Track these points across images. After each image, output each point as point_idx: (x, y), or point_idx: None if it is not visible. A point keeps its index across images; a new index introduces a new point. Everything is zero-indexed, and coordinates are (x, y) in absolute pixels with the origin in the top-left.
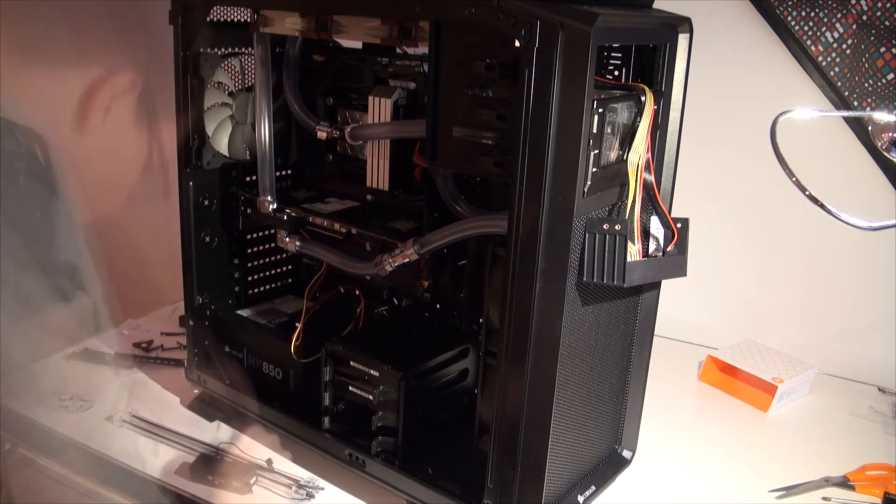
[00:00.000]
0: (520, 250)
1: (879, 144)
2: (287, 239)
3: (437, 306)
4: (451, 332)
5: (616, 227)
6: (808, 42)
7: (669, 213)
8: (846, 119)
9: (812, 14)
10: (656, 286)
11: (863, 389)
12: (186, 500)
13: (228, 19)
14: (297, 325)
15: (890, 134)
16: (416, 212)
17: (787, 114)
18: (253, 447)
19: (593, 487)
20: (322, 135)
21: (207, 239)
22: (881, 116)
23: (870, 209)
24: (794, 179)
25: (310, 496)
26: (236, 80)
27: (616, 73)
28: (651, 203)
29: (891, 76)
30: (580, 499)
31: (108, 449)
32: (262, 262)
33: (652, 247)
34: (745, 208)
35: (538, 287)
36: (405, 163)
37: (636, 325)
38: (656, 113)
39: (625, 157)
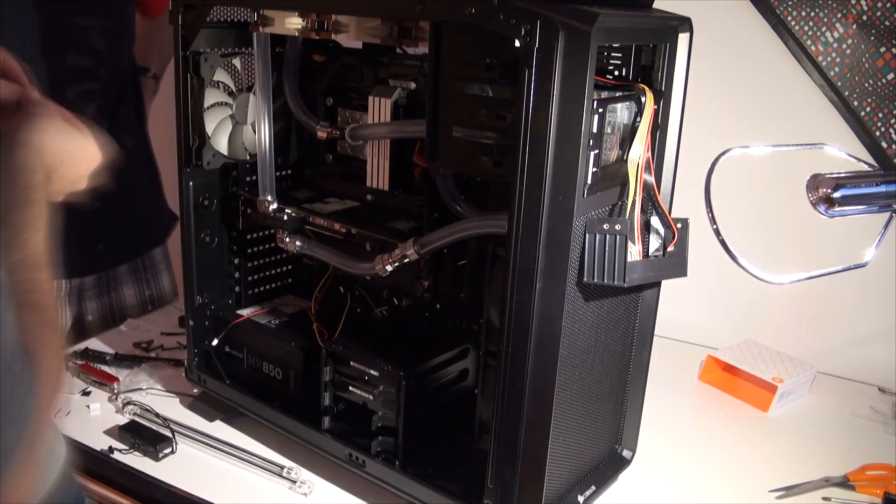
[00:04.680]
0: (520, 250)
1: (810, 197)
2: (287, 239)
3: (437, 306)
4: (451, 332)
5: (616, 227)
6: (808, 42)
7: (669, 213)
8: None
9: (812, 14)
10: (656, 286)
11: (863, 389)
12: (187, 499)
13: (228, 19)
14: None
15: (825, 190)
16: (416, 212)
17: (729, 152)
18: (253, 447)
19: (593, 487)
20: (322, 135)
21: (207, 239)
22: (830, 150)
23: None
24: (714, 227)
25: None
26: (236, 80)
27: (616, 73)
28: (651, 203)
29: (891, 76)
30: (580, 499)
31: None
32: (262, 262)
33: (652, 247)
34: (746, 207)
35: (538, 287)
36: (405, 163)
37: (636, 325)
38: (656, 113)
39: (625, 157)
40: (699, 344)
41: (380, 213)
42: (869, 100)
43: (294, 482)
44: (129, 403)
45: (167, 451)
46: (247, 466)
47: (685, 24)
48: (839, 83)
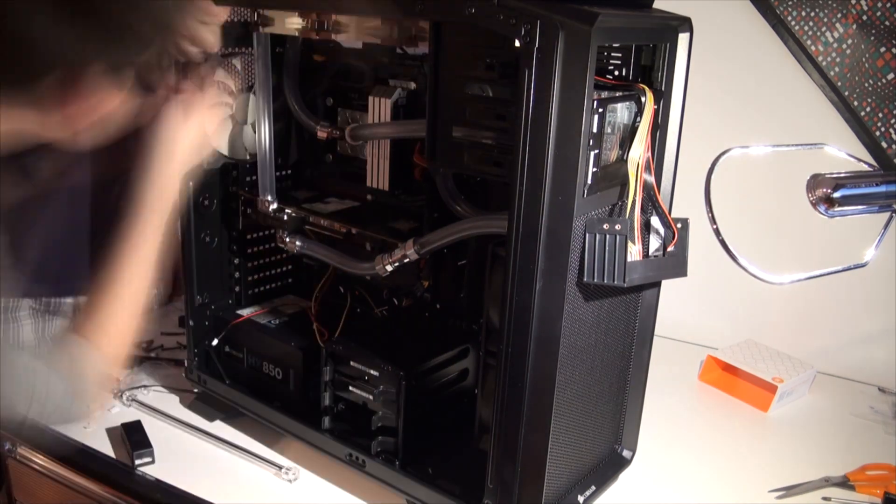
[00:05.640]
0: (520, 250)
1: (810, 197)
2: (287, 239)
3: (437, 306)
4: (451, 332)
5: (616, 227)
6: (808, 42)
7: (669, 213)
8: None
9: (812, 14)
10: (656, 286)
11: (863, 389)
12: (187, 499)
13: (228, 19)
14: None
15: (825, 190)
16: (416, 212)
17: (729, 152)
18: (253, 447)
19: (593, 487)
20: (322, 135)
21: (207, 239)
22: (830, 150)
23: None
24: (714, 227)
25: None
26: (236, 80)
27: (616, 73)
28: (651, 203)
29: (891, 76)
30: (580, 499)
31: (108, 449)
32: (262, 262)
33: (652, 247)
34: (746, 207)
35: (538, 287)
36: (405, 163)
37: (636, 325)
38: (656, 113)
39: (625, 157)
40: (699, 344)
41: (380, 213)
42: (869, 100)
43: (290, 481)
44: (132, 401)
45: (146, 459)
46: (246, 465)
47: (685, 24)
48: (839, 83)
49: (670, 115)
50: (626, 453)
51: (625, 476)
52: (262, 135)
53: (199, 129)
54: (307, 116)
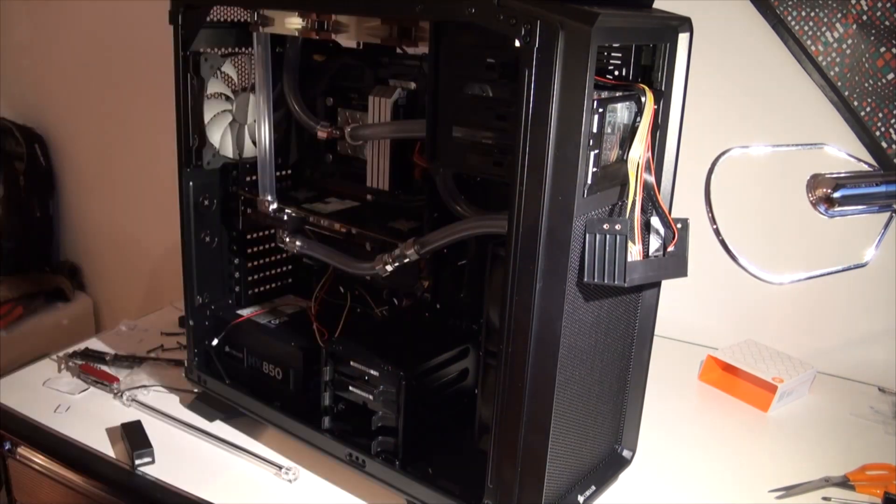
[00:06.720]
0: (520, 250)
1: (810, 197)
2: (287, 239)
3: (437, 306)
4: (451, 332)
5: (616, 227)
6: (808, 42)
7: (669, 213)
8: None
9: (812, 14)
10: (656, 286)
11: (863, 389)
12: (187, 499)
13: (228, 19)
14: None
15: (825, 190)
16: (416, 212)
17: (729, 152)
18: (253, 447)
19: (593, 487)
20: (322, 135)
21: (207, 239)
22: (830, 150)
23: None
24: (714, 227)
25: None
26: (236, 80)
27: (616, 73)
28: (651, 203)
29: (891, 76)
30: (580, 499)
31: (108, 449)
32: (262, 262)
33: (652, 247)
34: (746, 207)
35: (538, 287)
36: (405, 163)
37: (636, 325)
38: (656, 113)
39: (625, 157)
40: (699, 344)
41: (380, 213)
42: (869, 100)
43: (290, 481)
44: (132, 401)
45: (146, 460)
46: (246, 465)
47: (685, 24)
48: (839, 83)
49: (670, 115)
50: (626, 453)
51: (625, 476)
52: (262, 135)
53: None
54: (307, 116)
